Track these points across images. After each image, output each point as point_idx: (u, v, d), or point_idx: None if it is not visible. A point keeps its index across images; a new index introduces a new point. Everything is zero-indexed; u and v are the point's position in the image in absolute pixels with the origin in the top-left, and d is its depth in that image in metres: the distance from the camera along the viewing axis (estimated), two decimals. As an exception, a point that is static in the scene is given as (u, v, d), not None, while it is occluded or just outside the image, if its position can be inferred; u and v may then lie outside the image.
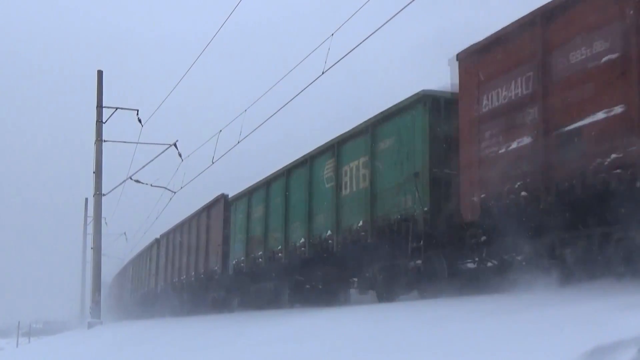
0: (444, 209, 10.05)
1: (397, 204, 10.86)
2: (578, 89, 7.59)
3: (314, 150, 13.87)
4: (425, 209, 10.09)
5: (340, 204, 12.60)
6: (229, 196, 18.95)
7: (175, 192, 23.49)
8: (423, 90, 10.38)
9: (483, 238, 9.26)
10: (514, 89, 8.51)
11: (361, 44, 11.31)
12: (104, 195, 24.17)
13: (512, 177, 8.43)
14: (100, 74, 24.56)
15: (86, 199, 44.68)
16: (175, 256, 24.62)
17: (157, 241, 28.29)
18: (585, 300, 6.23)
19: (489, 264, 9.67)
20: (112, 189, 25.16)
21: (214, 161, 18.69)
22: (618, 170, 7.00)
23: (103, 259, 25.07)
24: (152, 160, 23.56)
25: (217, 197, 19.76)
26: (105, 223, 28.14)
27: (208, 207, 20.73)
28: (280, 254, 15.01)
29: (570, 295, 7.04)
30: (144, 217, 29.95)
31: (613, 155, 7.07)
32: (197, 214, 21.81)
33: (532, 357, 4.83)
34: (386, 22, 10.49)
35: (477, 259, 9.88)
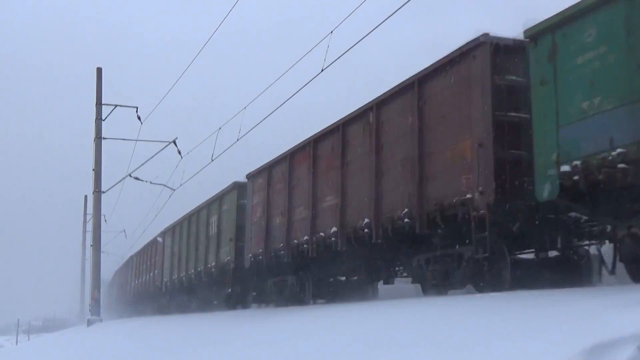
0: None
1: None
2: None
3: None
4: None
5: None
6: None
7: (174, 190, 23.18)
8: None
9: None
10: None
11: (360, 42, 10.87)
12: (103, 192, 23.81)
13: None
14: (99, 71, 24.36)
15: (85, 197, 44.80)
16: (297, 198, 14.49)
17: (237, 187, 18.36)
18: (584, 298, 6.16)
19: None
20: (112, 187, 24.91)
21: (213, 158, 18.32)
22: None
23: (102, 256, 24.70)
24: (152, 157, 23.27)
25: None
26: (105, 220, 27.57)
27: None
28: None
29: (569, 293, 6.94)
30: (143, 214, 30.18)
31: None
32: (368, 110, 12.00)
33: (531, 354, 4.77)
34: (385, 20, 10.12)
35: None
